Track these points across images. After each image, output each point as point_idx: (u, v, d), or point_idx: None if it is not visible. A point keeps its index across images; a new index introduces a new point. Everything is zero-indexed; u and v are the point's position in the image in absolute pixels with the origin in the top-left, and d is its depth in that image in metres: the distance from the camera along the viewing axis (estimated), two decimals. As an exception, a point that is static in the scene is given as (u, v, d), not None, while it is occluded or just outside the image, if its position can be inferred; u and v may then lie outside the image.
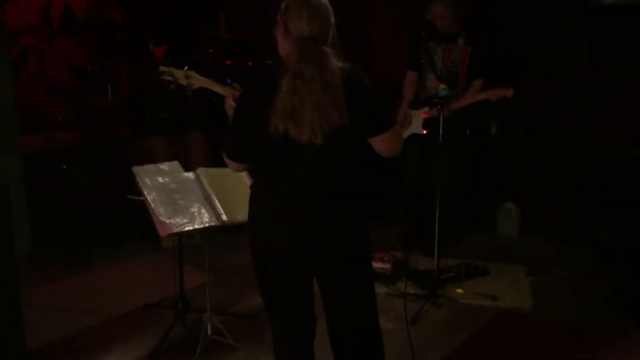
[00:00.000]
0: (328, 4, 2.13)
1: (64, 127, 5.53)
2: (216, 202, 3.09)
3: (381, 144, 2.18)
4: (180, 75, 2.86)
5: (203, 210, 3.06)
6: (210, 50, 5.88)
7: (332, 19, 2.13)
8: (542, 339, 3.37)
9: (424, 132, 4.19)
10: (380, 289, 3.89)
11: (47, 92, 5.54)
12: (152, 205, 2.99)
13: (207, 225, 3.01)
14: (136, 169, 3.11)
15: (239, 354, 3.21)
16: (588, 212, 4.62)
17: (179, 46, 5.81)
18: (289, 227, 2.12)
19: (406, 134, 4.27)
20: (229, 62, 5.68)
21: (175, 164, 3.26)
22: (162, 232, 2.97)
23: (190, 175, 3.20)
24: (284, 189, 2.12)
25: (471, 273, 4.11)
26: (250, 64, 5.73)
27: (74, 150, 5.39)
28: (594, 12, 4.51)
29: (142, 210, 3.09)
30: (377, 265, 4.04)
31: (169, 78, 2.90)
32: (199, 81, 2.86)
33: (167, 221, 2.96)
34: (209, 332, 3.22)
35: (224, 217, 3.04)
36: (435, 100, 3.64)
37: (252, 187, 2.26)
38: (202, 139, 5.20)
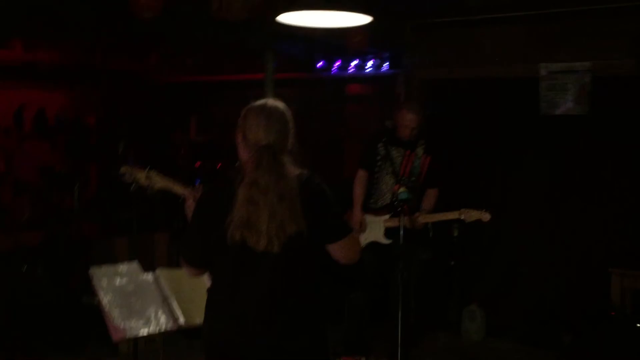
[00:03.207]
0: (287, 112, 2.16)
1: (28, 228, 5.48)
2: (174, 304, 3.03)
3: (339, 250, 2.19)
4: (141, 175, 2.89)
5: (160, 313, 3.00)
6: (181, 152, 6.00)
7: (291, 126, 2.15)
8: None
9: (388, 241, 4.16)
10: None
11: (13, 192, 5.54)
12: (107, 308, 2.94)
13: (163, 329, 2.95)
14: (93, 270, 3.06)
15: None
16: (551, 316, 4.65)
17: (149, 148, 5.93)
18: (245, 337, 2.08)
19: (365, 241, 4.22)
20: (197, 164, 5.79)
21: (134, 265, 3.20)
22: (116, 337, 2.89)
23: (149, 276, 3.16)
24: (241, 297, 2.09)
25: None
26: (219, 166, 5.84)
27: (37, 250, 5.31)
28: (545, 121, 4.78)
29: (100, 314, 3.02)
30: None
31: (130, 179, 2.93)
32: (160, 182, 2.88)
33: (121, 325, 2.89)
34: None
35: (181, 321, 2.97)
36: (396, 203, 3.70)
37: (209, 291, 2.23)
38: (167, 240, 5.19)
